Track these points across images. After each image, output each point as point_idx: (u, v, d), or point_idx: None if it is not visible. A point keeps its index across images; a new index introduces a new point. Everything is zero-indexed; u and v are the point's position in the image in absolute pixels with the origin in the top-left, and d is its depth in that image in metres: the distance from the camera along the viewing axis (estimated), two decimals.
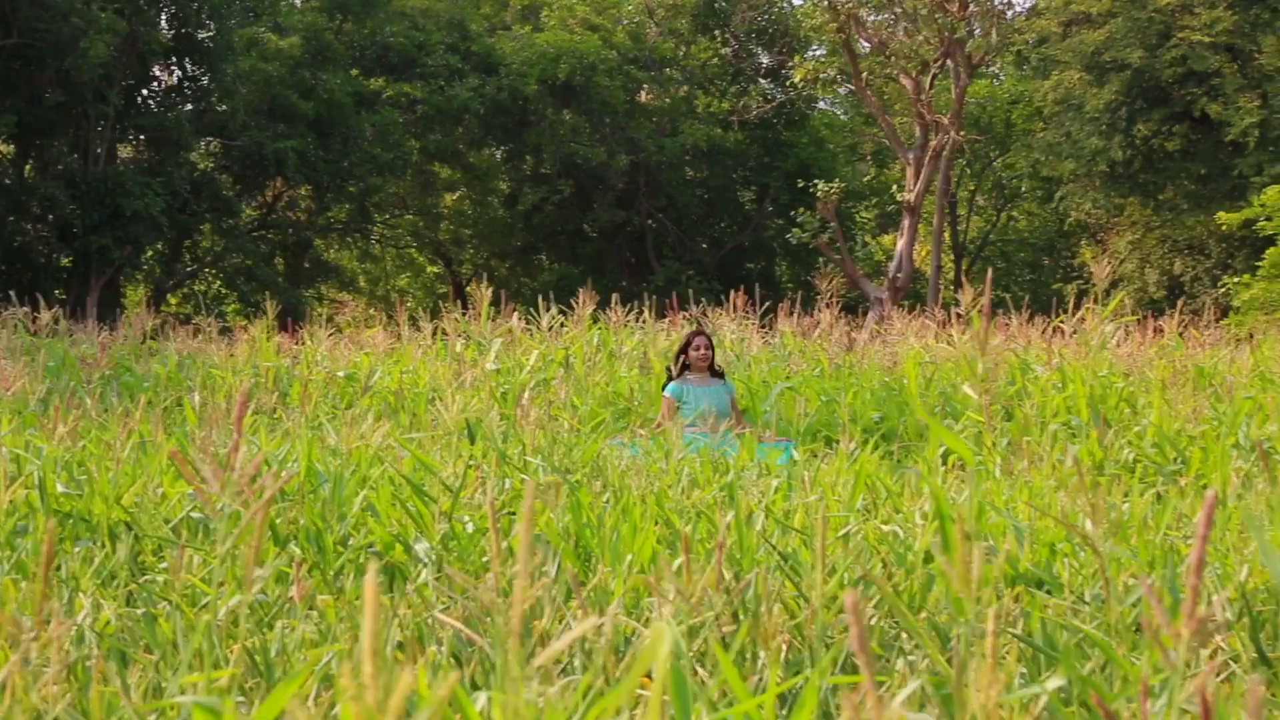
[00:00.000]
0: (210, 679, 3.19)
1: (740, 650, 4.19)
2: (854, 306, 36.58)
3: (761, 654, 3.97)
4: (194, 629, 3.50)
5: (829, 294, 17.66)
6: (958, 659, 2.55)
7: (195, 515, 5.66)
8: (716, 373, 12.11)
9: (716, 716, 2.65)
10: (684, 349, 12.11)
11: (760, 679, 3.91)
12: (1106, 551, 4.12)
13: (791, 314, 17.15)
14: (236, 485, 3.33)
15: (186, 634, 3.75)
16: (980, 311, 14.01)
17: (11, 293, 22.29)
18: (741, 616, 4.23)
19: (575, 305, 15.44)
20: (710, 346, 12.10)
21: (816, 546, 3.83)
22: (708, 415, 11.18)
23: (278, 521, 5.77)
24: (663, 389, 12.15)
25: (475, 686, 3.94)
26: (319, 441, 7.64)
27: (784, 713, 3.75)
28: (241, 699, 3.81)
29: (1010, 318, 15.98)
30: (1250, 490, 6.53)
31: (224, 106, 42.45)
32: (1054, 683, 2.98)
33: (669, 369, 12.31)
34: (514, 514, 5.99)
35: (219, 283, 48.15)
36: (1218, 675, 4.25)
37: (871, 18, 41.25)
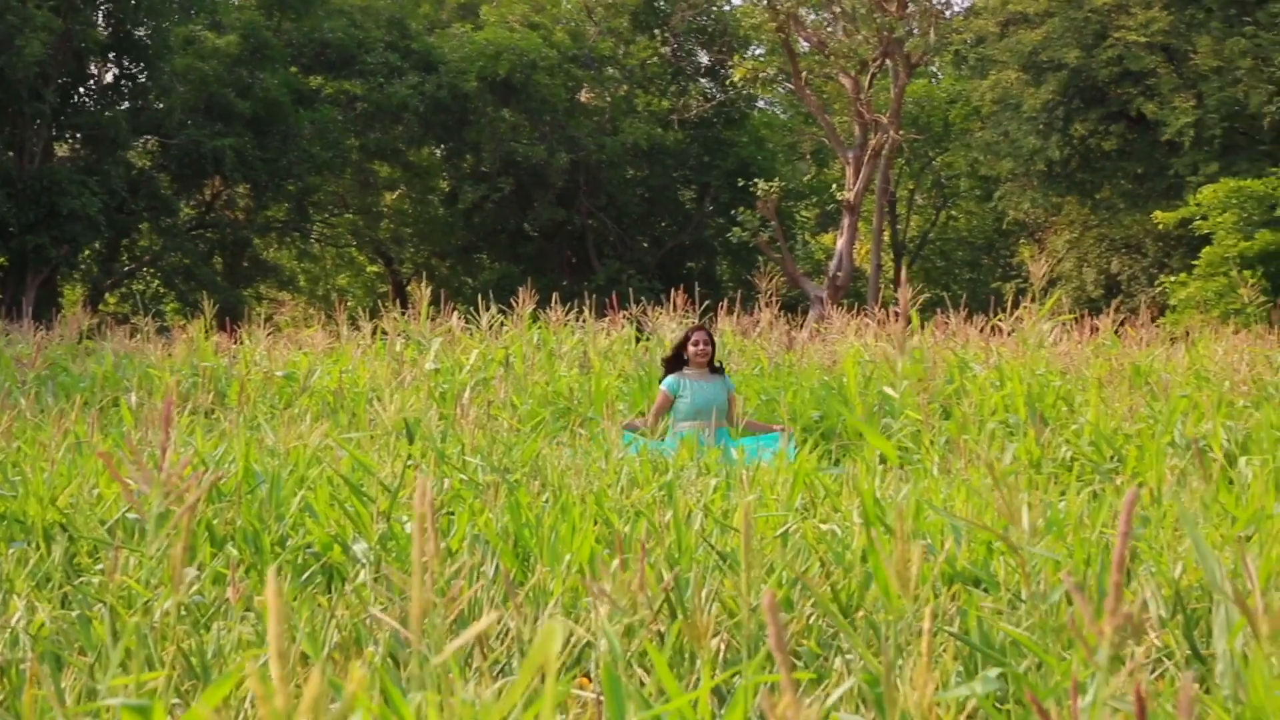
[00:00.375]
0: (140, 681, 3.17)
1: (679, 649, 4.19)
2: (794, 305, 36.66)
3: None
4: (124, 631, 3.47)
5: (769, 293, 17.69)
6: (887, 657, 2.57)
7: (131, 516, 5.61)
8: (716, 369, 11.91)
9: (649, 714, 2.65)
10: (683, 344, 11.92)
11: (697, 678, 3.92)
12: (1030, 552, 4.15)
13: (731, 313, 17.17)
14: (166, 485, 3.31)
15: (119, 636, 3.72)
16: (918, 310, 14.07)
17: None
18: (681, 616, 4.24)
19: (515, 304, 15.42)
20: (710, 342, 11.85)
21: (753, 545, 3.84)
22: (705, 411, 11.14)
23: (215, 522, 5.74)
24: (659, 382, 12.02)
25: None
26: (257, 442, 7.61)
27: (721, 711, 3.76)
28: (178, 701, 3.78)
29: (949, 316, 16.05)
30: (1185, 488, 6.57)
31: (161, 105, 42.20)
32: (986, 682, 2.99)
33: (665, 362, 12.16)
34: (452, 514, 5.98)
35: (157, 282, 47.85)
36: (1151, 672, 4.28)
37: (810, 17, 41.35)
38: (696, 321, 14.77)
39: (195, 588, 4.55)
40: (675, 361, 11.91)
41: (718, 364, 12.03)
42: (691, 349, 11.78)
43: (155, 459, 3.52)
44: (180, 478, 3.36)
